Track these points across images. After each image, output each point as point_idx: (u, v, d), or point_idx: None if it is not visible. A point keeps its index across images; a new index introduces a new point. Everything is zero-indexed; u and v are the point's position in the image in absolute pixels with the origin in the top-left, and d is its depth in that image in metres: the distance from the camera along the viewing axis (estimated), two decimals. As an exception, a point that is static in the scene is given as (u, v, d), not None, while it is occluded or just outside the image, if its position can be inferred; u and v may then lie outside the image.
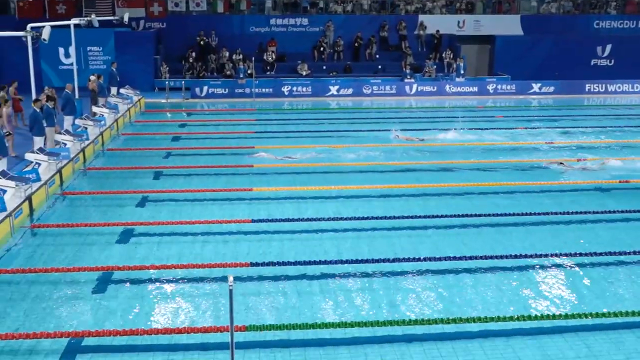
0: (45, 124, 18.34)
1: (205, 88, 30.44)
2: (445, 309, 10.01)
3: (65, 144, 18.30)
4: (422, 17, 35.98)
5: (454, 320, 9.44)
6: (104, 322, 9.57)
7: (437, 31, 34.94)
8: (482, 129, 23.41)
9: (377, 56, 34.94)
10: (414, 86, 31.51)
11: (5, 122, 19.19)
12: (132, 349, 8.90)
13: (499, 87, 32.09)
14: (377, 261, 11.53)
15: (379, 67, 34.33)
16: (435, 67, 33.45)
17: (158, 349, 8.90)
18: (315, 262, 11.46)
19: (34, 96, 19.16)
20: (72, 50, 25.62)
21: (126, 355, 8.77)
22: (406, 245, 12.56)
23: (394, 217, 13.86)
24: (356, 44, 34.78)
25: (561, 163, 18.34)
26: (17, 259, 12.03)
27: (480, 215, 14.01)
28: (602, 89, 32.49)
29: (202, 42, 33.48)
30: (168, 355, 8.77)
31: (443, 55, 34.55)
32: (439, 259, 11.62)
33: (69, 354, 8.77)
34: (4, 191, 13.91)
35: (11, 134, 18.82)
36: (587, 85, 32.47)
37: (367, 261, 11.53)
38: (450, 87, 31.78)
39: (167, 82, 30.16)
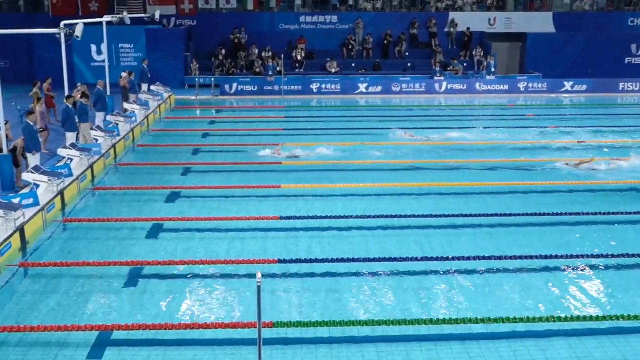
0: (78, 120, 18.63)
1: (234, 85, 30.58)
2: (473, 309, 9.92)
3: (96, 140, 18.54)
4: (452, 14, 35.68)
5: (482, 320, 9.36)
6: (133, 316, 9.69)
7: (468, 28, 34.61)
8: (511, 127, 23.16)
9: (407, 53, 34.70)
10: (444, 84, 31.26)
11: (38, 118, 19.47)
12: (160, 343, 9.00)
13: (530, 85, 31.67)
14: (406, 259, 11.49)
15: (408, 64, 34.10)
16: (461, 65, 33.13)
17: (186, 343, 8.99)
18: (342, 260, 11.45)
19: (66, 92, 19.45)
20: (103, 47, 25.91)
21: (154, 349, 8.86)
22: (436, 244, 12.48)
23: (424, 216, 13.79)
24: (385, 41, 34.64)
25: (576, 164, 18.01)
26: (49, 252, 12.25)
27: (510, 215, 13.85)
28: (636, 87, 31.86)
29: (235, 40, 33.60)
30: (195, 349, 8.85)
31: (473, 52, 34.20)
32: (468, 258, 11.53)
33: (98, 346, 8.89)
34: (37, 186, 14.15)
35: (44, 129, 19.12)
36: (620, 83, 31.84)
37: (395, 259, 11.49)
38: (480, 85, 31.46)
39: (196, 79, 30.35)
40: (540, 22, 35.32)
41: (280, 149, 19.46)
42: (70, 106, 18.10)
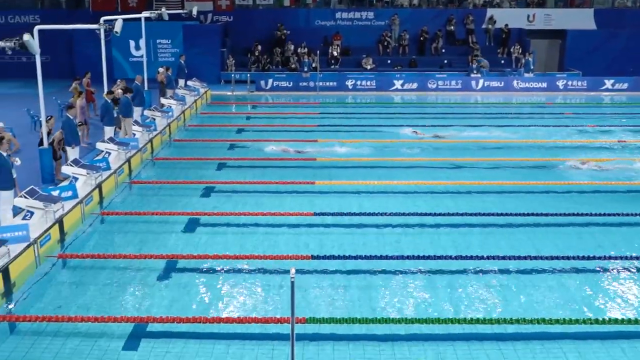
0: (122, 115, 18.97)
1: (270, 81, 30.70)
2: (508, 309, 9.81)
3: (134, 134, 18.82)
4: (491, 11, 35.26)
5: (517, 321, 9.24)
6: (167, 309, 9.80)
7: (506, 25, 34.16)
8: (549, 125, 22.81)
9: (443, 50, 34.44)
10: (480, 81, 30.90)
11: (78, 113, 19.83)
12: (194, 336, 9.09)
13: (570, 83, 31.07)
14: (439, 258, 11.41)
15: (445, 61, 33.83)
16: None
17: (219, 337, 9.07)
18: (376, 257, 11.41)
19: (105, 87, 19.78)
20: (142, 42, 26.28)
21: (188, 342, 8.96)
22: (470, 243, 12.36)
23: (459, 214, 13.65)
24: (422, 38, 34.40)
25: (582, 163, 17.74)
26: (87, 244, 12.46)
27: (547, 215, 13.64)
28: (679, 86, 31.07)
29: (282, 36, 33.66)
30: (229, 343, 8.91)
31: (511, 50, 33.75)
32: (504, 257, 11.39)
33: (134, 338, 9.02)
34: (76, 179, 14.42)
35: (84, 124, 19.46)
36: (663, 82, 31.11)
37: (428, 257, 11.43)
38: (518, 83, 30.99)
39: (232, 75, 30.58)
40: (580, 19, 34.69)
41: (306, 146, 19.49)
42: (109, 101, 18.39)
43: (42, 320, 9.27)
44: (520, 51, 33.38)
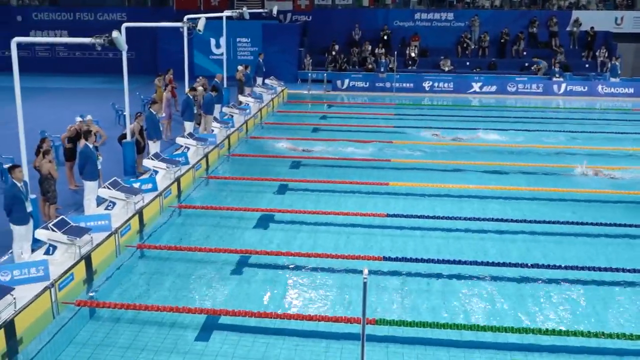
0: (204, 111, 19.44)
1: (346, 81, 30.74)
2: (581, 321, 9.48)
3: (212, 131, 19.23)
4: (576, 13, 34.11)
5: (596, 335, 8.90)
6: (239, 303, 9.96)
7: (592, 28, 32.97)
8: (633, 133, 21.88)
9: (525, 53, 33.54)
10: (563, 85, 29.94)
11: (163, 107, 20.43)
12: (264, 331, 9.21)
13: (659, 89, 29.71)
14: (509, 265, 11.16)
15: (526, 64, 32.95)
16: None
17: (288, 333, 9.16)
18: (449, 262, 11.26)
19: (186, 84, 20.30)
20: (222, 40, 26.81)
21: (258, 336, 9.09)
22: (550, 251, 12.02)
23: (534, 221, 13.29)
24: (502, 40, 33.64)
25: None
26: (165, 236, 12.83)
27: (621, 225, 13.13)
28: None
29: (385, 36, 33.69)
30: (297, 341, 8.99)
31: (597, 53, 32.56)
32: (582, 268, 11.02)
33: (206, 329, 9.23)
34: (156, 172, 14.86)
35: (167, 119, 20.02)
36: None
37: (501, 264, 11.19)
38: (602, 88, 29.85)
39: (309, 74, 30.77)
40: (673, 22, 33.12)
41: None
42: (190, 97, 18.86)
43: (120, 308, 9.61)
44: (606, 55, 32.15)
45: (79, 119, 15.29)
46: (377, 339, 8.88)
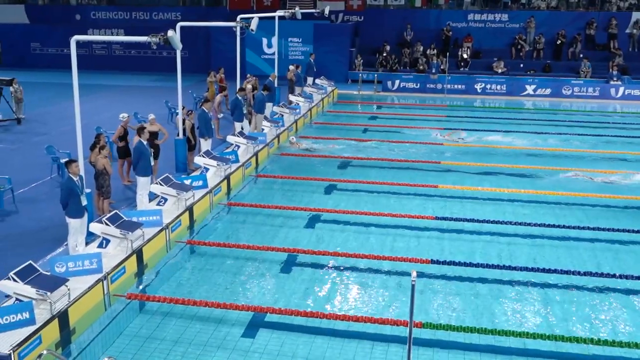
0: (255, 110, 19.65)
1: (397, 82, 30.58)
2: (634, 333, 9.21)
3: (262, 129, 19.38)
4: (636, 15, 33.12)
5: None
6: (285, 301, 10.02)
7: (653, 30, 32.05)
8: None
9: (581, 55, 32.75)
10: (621, 89, 29.11)
11: (216, 105, 20.71)
12: (310, 330, 9.23)
13: None
14: (565, 273, 10.91)
15: (582, 67, 32.17)
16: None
17: (334, 334, 9.15)
18: (499, 267, 11.08)
19: (238, 83, 20.52)
20: (274, 40, 27.00)
21: (303, 335, 9.11)
22: (604, 260, 11.70)
23: (589, 228, 12.96)
24: (558, 42, 32.92)
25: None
26: (214, 233, 12.99)
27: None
28: None
29: (443, 37, 33.49)
30: (343, 341, 8.96)
31: (657, 56, 31.62)
32: (627, 277, 10.72)
33: (253, 327, 9.31)
34: (207, 169, 15.07)
35: (218, 118, 20.30)
36: None
37: (549, 271, 10.93)
38: (663, 92, 28.94)
39: (360, 75, 30.72)
40: None
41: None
42: (239, 98, 19.04)
43: (169, 302, 9.77)
44: (667, 58, 31.16)
45: (124, 115, 15.58)
46: (422, 343, 8.80)
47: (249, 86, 20.64)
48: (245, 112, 19.43)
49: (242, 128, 18.88)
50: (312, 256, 11.62)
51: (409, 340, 6.21)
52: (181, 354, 8.61)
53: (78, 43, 11.43)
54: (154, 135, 15.20)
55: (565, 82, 30.07)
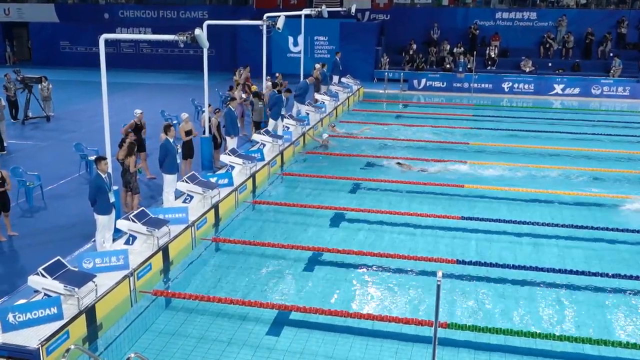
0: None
1: (423, 81, 30.40)
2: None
3: (287, 128, 19.39)
4: (668, 13, 32.61)
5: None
6: (309, 299, 10.02)
7: (685, 29, 31.44)
8: None
9: (611, 54, 32.23)
10: (651, 88, 28.63)
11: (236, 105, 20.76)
12: (334, 329, 9.24)
13: None
14: (593, 275, 10.76)
15: (612, 66, 31.67)
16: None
17: (358, 332, 9.13)
18: (525, 268, 10.96)
19: (264, 82, 20.55)
20: (300, 39, 27.00)
21: (327, 334, 9.12)
22: (636, 263, 11.51)
23: (619, 230, 12.76)
24: (587, 41, 32.45)
25: (398, 163, 17.18)
26: (239, 230, 13.03)
27: None
28: None
29: (470, 35, 33.30)
30: (367, 340, 8.95)
31: (690, 55, 30.99)
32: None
33: (277, 324, 9.33)
34: (232, 167, 15.13)
35: (241, 116, 20.36)
36: None
37: (576, 272, 10.80)
38: (694, 92, 28.36)
39: (386, 73, 30.57)
40: None
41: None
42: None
43: (194, 299, 9.83)
44: (700, 57, 30.53)
45: (138, 111, 15.70)
46: (447, 343, 8.74)
47: (269, 84, 20.63)
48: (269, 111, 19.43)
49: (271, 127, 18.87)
50: (337, 255, 11.61)
51: (434, 341, 6.16)
52: (206, 350, 8.66)
53: (106, 41, 11.54)
54: (188, 134, 15.39)
55: (595, 81, 29.62)
